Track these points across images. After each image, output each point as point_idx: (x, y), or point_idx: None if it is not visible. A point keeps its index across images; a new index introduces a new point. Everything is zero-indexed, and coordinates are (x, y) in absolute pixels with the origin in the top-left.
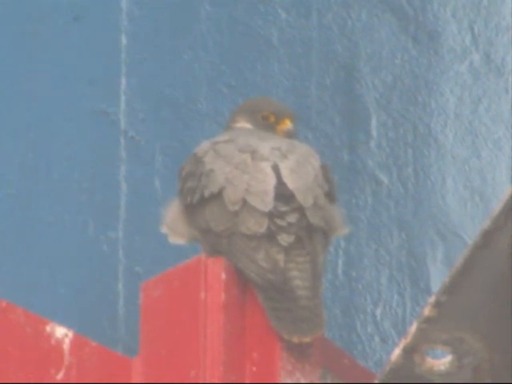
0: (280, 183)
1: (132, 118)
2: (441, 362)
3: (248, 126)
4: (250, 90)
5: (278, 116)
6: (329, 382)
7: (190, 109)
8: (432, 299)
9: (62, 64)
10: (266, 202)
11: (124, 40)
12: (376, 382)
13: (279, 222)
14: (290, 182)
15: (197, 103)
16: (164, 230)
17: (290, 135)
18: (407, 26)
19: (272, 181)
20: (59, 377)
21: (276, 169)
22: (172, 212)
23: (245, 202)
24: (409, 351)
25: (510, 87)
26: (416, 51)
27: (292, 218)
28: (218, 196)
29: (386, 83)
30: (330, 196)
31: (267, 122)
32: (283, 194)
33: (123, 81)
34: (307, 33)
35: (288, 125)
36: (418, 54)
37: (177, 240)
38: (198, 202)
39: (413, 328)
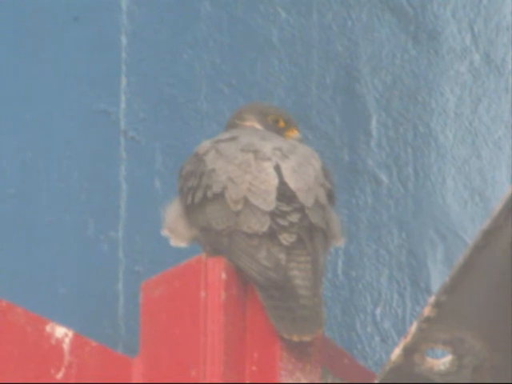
0: (282, 183)
1: (132, 118)
2: (441, 361)
3: (258, 126)
4: (250, 90)
5: (287, 123)
6: (329, 381)
7: (190, 108)
8: (432, 299)
9: (61, 64)
10: (268, 202)
11: (124, 40)
12: (376, 381)
13: (281, 221)
14: (292, 182)
15: (197, 103)
16: (165, 233)
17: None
18: (407, 26)
19: (274, 181)
20: (59, 376)
21: (278, 169)
22: (172, 213)
23: (247, 202)
24: (409, 351)
25: (510, 87)
26: (416, 51)
27: (294, 218)
28: (219, 195)
29: (385, 83)
30: (330, 197)
31: (276, 126)
32: (285, 193)
33: (123, 80)
34: (307, 32)
35: (297, 133)
36: (417, 53)
37: (179, 243)
38: (200, 201)
39: (413, 328)
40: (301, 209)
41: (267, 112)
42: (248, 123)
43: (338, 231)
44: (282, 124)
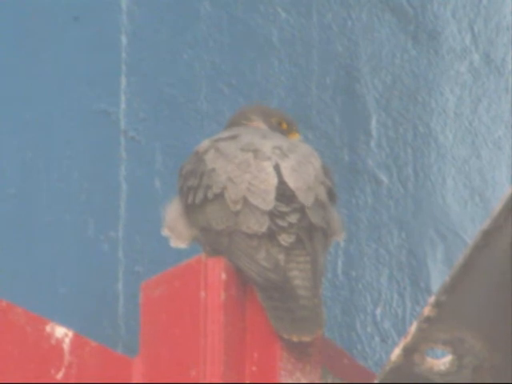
0: (281, 183)
1: (132, 118)
2: (441, 361)
3: (263, 126)
4: (250, 90)
5: (289, 125)
6: (329, 381)
7: (190, 108)
8: (432, 299)
9: (61, 63)
10: (267, 202)
11: (124, 40)
12: (376, 381)
13: (280, 222)
14: (291, 182)
15: (197, 103)
16: (165, 232)
17: None
18: (407, 26)
19: (273, 180)
20: (59, 376)
21: (277, 168)
22: (172, 212)
23: (246, 201)
24: (409, 351)
25: (510, 87)
26: (416, 51)
27: (293, 218)
28: (219, 195)
29: (385, 83)
30: (331, 196)
31: (280, 128)
32: (284, 193)
33: (123, 80)
34: (307, 32)
35: (298, 137)
36: (417, 54)
37: (179, 244)
38: (200, 201)
39: (413, 328)
40: (300, 209)
41: (271, 113)
42: (255, 123)
43: (339, 227)
44: (284, 126)
